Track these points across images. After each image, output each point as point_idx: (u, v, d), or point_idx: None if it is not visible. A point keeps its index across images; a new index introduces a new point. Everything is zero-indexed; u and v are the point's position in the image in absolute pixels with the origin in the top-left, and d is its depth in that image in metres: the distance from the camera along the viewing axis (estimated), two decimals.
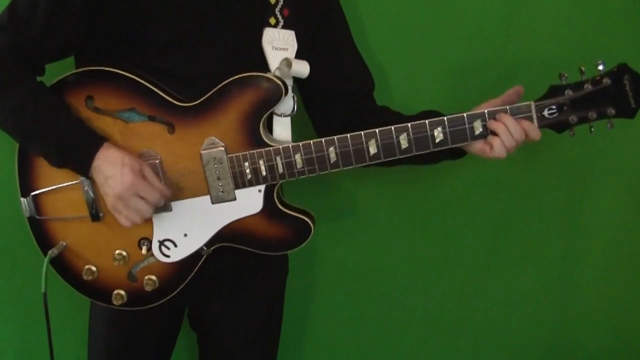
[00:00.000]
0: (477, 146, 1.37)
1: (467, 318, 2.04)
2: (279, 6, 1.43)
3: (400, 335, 2.05)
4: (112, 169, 1.30)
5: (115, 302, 1.45)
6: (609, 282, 2.00)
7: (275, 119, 1.43)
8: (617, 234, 1.96)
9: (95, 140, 1.33)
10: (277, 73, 1.40)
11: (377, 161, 1.37)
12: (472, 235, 1.96)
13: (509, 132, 1.32)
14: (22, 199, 1.43)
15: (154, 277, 1.44)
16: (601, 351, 2.07)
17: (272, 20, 1.42)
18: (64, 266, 1.45)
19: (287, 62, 1.39)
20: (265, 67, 1.41)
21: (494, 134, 1.34)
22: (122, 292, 1.45)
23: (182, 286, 1.45)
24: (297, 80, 1.46)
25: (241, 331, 1.62)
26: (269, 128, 1.45)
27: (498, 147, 1.33)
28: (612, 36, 1.78)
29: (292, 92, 1.44)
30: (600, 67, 1.33)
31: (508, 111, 1.33)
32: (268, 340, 1.69)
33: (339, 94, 1.54)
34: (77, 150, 1.33)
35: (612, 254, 1.98)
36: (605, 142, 1.88)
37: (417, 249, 1.97)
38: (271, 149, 1.36)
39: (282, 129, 1.43)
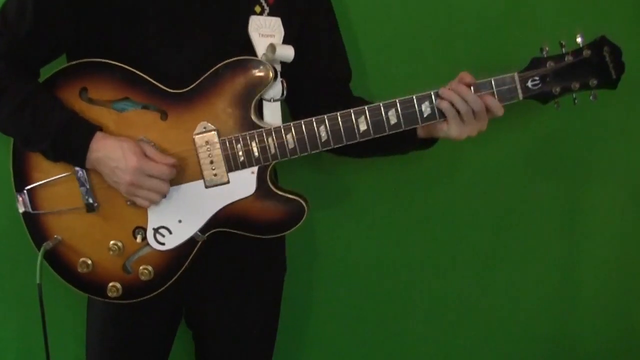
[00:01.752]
0: (441, 127, 1.40)
1: (467, 317, 2.03)
2: None
3: (400, 334, 2.04)
4: (114, 158, 1.32)
5: (110, 295, 1.44)
6: (609, 282, 2.00)
7: (265, 104, 1.45)
8: (617, 234, 1.97)
9: (88, 130, 1.35)
10: (263, 59, 1.43)
11: (367, 138, 1.39)
12: (472, 234, 1.96)
13: (462, 100, 1.35)
14: (16, 194, 1.44)
15: (149, 267, 1.43)
16: (601, 351, 2.05)
17: (257, 9, 1.46)
18: (58, 261, 1.45)
19: (272, 48, 1.42)
20: (252, 54, 1.43)
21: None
22: (118, 285, 1.44)
23: (177, 275, 1.44)
24: (282, 65, 1.48)
25: (237, 329, 1.61)
26: (260, 113, 1.46)
27: (452, 118, 1.36)
28: (612, 36, 1.79)
29: (280, 76, 1.46)
30: (579, 40, 1.37)
31: (493, 82, 1.36)
32: (264, 337, 1.68)
33: (316, 81, 1.57)
34: (71, 143, 1.35)
35: (612, 254, 1.98)
36: (606, 143, 1.90)
37: (418, 248, 1.97)
38: (263, 130, 1.39)
39: (272, 114, 1.45)
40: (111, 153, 1.33)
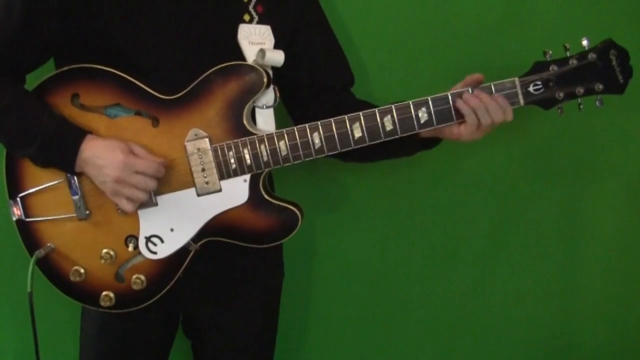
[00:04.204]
0: (451, 130, 1.37)
1: (467, 318, 2.00)
2: (252, 3, 1.45)
3: (400, 335, 2.02)
4: (102, 157, 1.31)
5: (103, 304, 1.42)
6: (609, 282, 1.97)
7: (258, 111, 1.42)
8: (617, 234, 1.94)
9: (77, 134, 1.34)
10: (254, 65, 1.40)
11: (362, 145, 1.36)
12: (472, 234, 1.93)
13: (485, 109, 1.31)
14: (10, 201, 1.43)
15: (141, 277, 1.41)
16: (601, 351, 2.03)
17: (247, 17, 1.44)
18: (51, 269, 1.43)
19: (262, 53, 1.40)
20: (243, 61, 1.41)
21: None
22: (110, 294, 1.42)
23: (170, 285, 1.42)
24: (275, 73, 1.46)
25: (236, 337, 1.59)
26: (253, 121, 1.43)
27: (471, 125, 1.33)
28: (612, 36, 1.75)
29: (272, 83, 1.43)
30: (585, 43, 1.32)
31: (492, 87, 1.32)
32: (263, 346, 1.65)
33: (315, 88, 1.56)
34: (61, 147, 1.33)
35: (612, 254, 1.95)
36: (606, 142, 1.87)
37: (417, 248, 1.95)
38: (255, 137, 1.36)
39: (265, 121, 1.42)
40: (99, 152, 1.31)
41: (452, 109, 1.33)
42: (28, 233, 1.43)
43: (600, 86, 1.32)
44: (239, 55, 1.41)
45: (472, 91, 1.33)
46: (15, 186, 1.42)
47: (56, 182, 1.40)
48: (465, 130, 1.36)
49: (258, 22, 1.44)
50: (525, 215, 1.93)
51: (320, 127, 1.35)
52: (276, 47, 1.45)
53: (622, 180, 1.91)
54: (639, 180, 1.90)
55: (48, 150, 1.32)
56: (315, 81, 1.56)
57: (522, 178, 1.90)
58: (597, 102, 1.34)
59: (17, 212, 1.42)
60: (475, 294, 1.98)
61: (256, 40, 1.43)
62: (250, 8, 1.45)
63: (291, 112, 1.61)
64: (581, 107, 1.35)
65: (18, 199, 1.42)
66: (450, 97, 1.33)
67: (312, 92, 1.56)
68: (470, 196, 1.91)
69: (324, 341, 2.02)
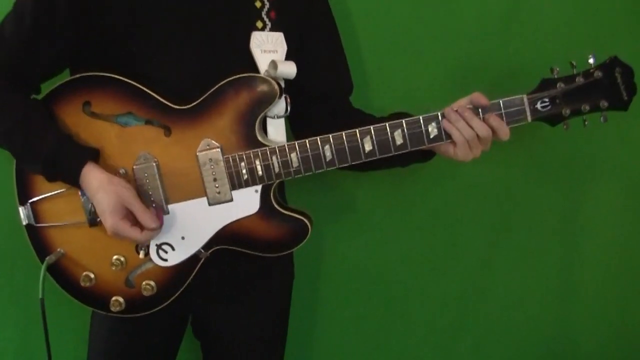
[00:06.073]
0: (447, 148, 1.39)
1: (468, 318, 2.03)
2: (266, 9, 1.44)
3: (402, 335, 2.04)
4: (98, 205, 1.33)
5: (113, 309, 1.44)
6: (609, 282, 2.00)
7: (269, 121, 1.43)
8: (617, 234, 1.96)
9: (77, 160, 1.34)
10: (265, 76, 1.40)
11: (372, 158, 1.38)
12: (472, 235, 1.95)
13: (468, 126, 1.33)
14: (19, 207, 1.43)
15: (152, 283, 1.43)
16: (601, 351, 2.06)
17: (259, 24, 1.44)
18: (61, 274, 1.44)
19: (274, 65, 1.40)
20: (254, 70, 1.42)
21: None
22: (120, 299, 1.44)
23: (180, 290, 1.44)
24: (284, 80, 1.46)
25: (246, 338, 1.60)
26: (263, 130, 1.44)
27: (461, 145, 1.35)
28: (613, 35, 1.81)
29: (284, 92, 1.44)
30: (591, 61, 1.34)
31: (501, 104, 1.34)
32: (274, 346, 1.67)
33: (318, 95, 1.56)
34: (63, 170, 1.34)
35: (612, 254, 1.98)
36: (605, 143, 1.89)
37: (419, 249, 1.97)
38: (267, 149, 1.37)
39: (276, 131, 1.44)
40: (96, 199, 1.33)
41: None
42: (38, 238, 1.44)
43: (605, 103, 1.35)
44: (251, 64, 1.41)
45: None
46: (25, 192, 1.43)
47: (67, 189, 1.40)
48: (454, 149, 1.37)
49: (271, 29, 1.44)
50: (525, 216, 1.94)
51: (331, 140, 1.36)
52: (289, 54, 1.45)
53: (622, 180, 1.93)
54: (639, 181, 1.92)
55: (50, 171, 1.34)
56: (318, 88, 1.56)
57: (522, 179, 1.92)
58: (601, 118, 1.37)
59: (26, 217, 1.43)
60: (477, 295, 2.01)
61: (268, 49, 1.43)
62: (264, 14, 1.44)
63: (289, 117, 1.56)
64: (586, 123, 1.38)
65: (28, 204, 1.42)
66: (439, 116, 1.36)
67: (311, 99, 1.55)
68: (471, 199, 1.93)
69: (331, 344, 2.05)
